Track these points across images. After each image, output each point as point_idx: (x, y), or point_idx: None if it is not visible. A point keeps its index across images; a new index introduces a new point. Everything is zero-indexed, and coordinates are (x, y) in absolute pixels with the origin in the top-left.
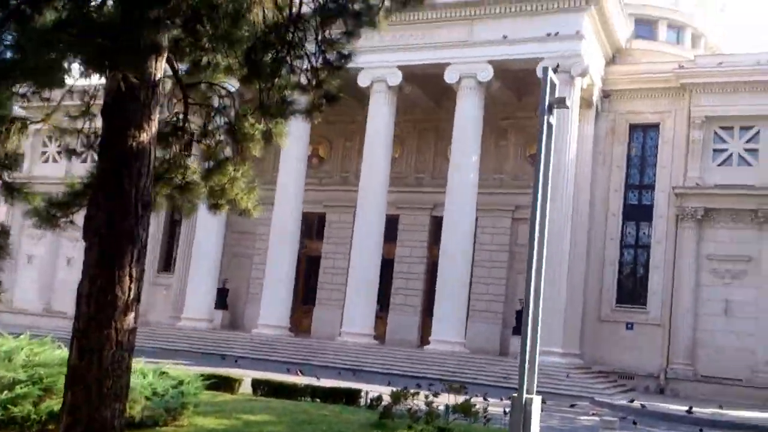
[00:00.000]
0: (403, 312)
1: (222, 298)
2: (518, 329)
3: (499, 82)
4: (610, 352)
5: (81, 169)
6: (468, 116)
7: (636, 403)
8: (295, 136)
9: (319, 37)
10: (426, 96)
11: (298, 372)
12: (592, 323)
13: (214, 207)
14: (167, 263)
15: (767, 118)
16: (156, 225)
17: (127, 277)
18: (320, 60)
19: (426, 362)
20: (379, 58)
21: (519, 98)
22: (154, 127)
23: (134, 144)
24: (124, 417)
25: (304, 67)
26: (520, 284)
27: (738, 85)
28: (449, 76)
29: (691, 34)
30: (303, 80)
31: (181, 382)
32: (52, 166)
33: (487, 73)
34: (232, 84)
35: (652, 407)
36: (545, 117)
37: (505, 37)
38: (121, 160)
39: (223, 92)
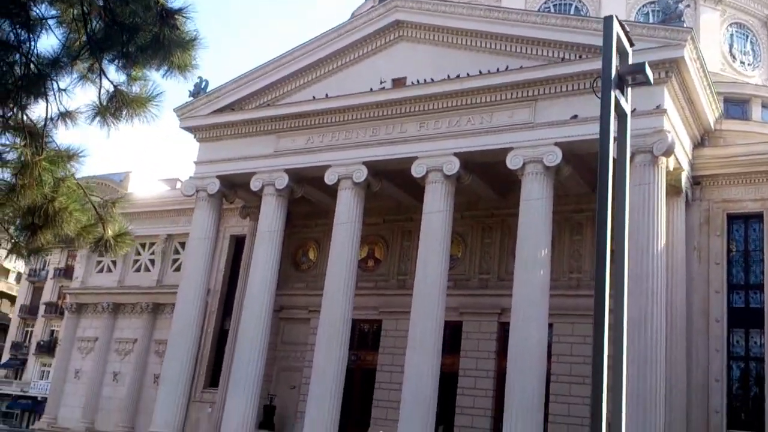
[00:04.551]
0: None
1: (268, 417)
2: None
3: (569, 168)
4: None
5: (134, 279)
6: (535, 205)
7: None
8: (344, 235)
9: None
10: (489, 188)
11: None
12: None
13: (31, 249)
14: (214, 377)
15: None
16: (206, 334)
17: None
18: None
19: None
20: (434, 146)
21: (593, 188)
22: None
23: None
24: None
25: None
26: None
27: None
28: (512, 162)
29: None
30: None
31: None
32: (105, 276)
33: (554, 156)
34: None
35: None
36: (611, 94)
37: (574, 116)
38: None
39: None
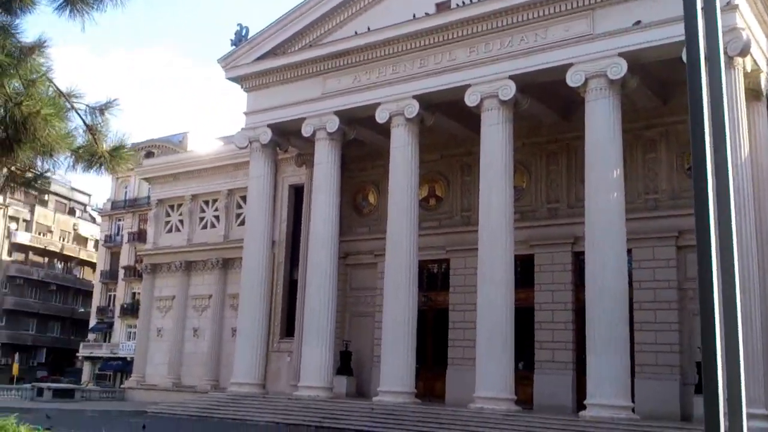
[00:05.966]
0: (551, 370)
1: (345, 363)
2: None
3: (636, 81)
4: None
5: (202, 236)
6: (602, 122)
7: None
8: (401, 175)
9: None
10: (550, 111)
11: None
12: None
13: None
14: (290, 327)
15: None
16: (276, 286)
17: None
18: None
19: None
20: (487, 71)
21: (664, 101)
22: None
23: None
24: None
25: None
26: (699, 328)
27: None
28: (573, 79)
29: None
30: None
31: None
32: (175, 236)
33: (618, 69)
34: None
35: None
36: None
37: (637, 22)
38: None
39: None
